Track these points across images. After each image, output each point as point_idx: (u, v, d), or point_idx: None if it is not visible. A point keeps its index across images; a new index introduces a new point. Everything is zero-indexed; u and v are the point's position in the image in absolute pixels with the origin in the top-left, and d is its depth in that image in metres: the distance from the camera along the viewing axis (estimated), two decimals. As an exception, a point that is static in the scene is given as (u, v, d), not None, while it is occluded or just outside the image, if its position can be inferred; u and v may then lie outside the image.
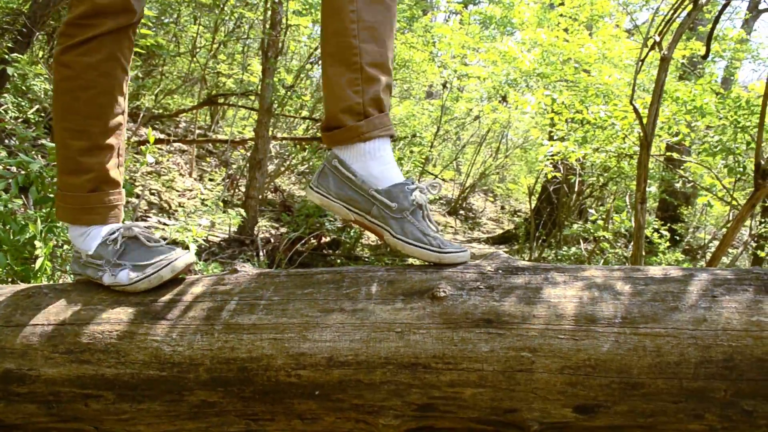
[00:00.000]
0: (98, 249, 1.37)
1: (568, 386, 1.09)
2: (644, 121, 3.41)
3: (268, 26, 7.44)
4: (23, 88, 5.98)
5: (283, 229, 7.73)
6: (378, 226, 1.33)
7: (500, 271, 1.24)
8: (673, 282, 1.16)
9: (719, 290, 1.14)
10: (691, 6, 3.19)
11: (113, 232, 1.39)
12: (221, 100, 9.38)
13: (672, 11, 3.32)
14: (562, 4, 7.76)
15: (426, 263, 1.29)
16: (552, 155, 6.04)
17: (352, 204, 1.34)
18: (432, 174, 13.02)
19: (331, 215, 6.92)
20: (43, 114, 6.19)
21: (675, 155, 6.34)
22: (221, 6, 7.95)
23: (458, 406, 1.12)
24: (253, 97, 9.15)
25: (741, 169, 4.47)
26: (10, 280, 2.25)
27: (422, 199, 1.32)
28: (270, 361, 1.15)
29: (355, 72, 1.31)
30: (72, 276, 1.59)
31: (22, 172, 2.49)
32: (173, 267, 1.31)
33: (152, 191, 7.67)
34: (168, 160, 8.83)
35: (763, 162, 2.86)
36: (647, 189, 3.56)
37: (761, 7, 10.18)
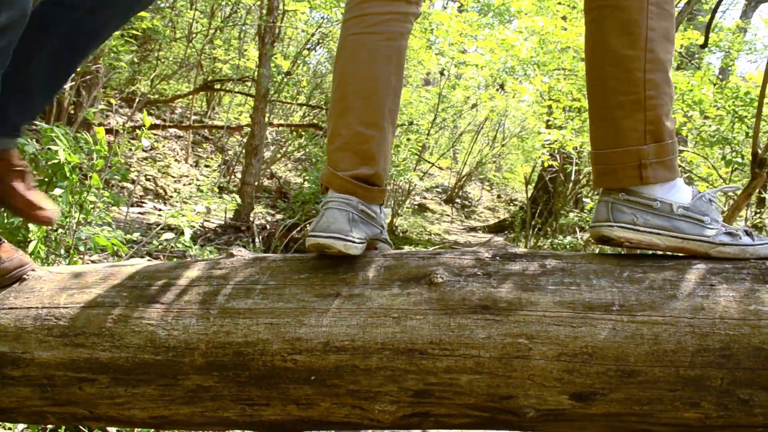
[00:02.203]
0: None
1: (564, 373, 1.08)
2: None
3: (264, 12, 7.39)
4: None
5: (279, 216, 7.72)
6: (690, 241, 1.23)
7: (497, 258, 1.23)
8: (671, 270, 1.16)
9: (717, 279, 1.13)
10: (690, -6, 3.18)
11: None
12: (217, 86, 9.35)
13: (672, 0, 3.30)
14: (561, -8, 7.72)
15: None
16: (549, 143, 6.03)
17: (662, 230, 1.24)
18: (429, 162, 13.00)
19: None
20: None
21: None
22: (218, -10, 7.90)
23: (454, 392, 1.12)
24: (249, 83, 9.11)
25: (738, 159, 4.47)
26: (4, 263, 2.23)
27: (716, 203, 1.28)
28: (266, 346, 1.15)
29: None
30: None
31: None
32: None
33: (148, 177, 7.65)
34: (164, 146, 8.80)
35: (760, 151, 2.86)
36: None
37: (760, -3, 10.15)
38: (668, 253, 1.26)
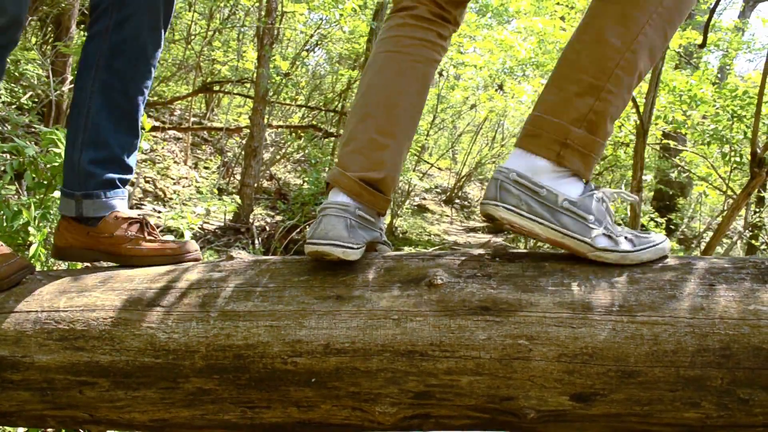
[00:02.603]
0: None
1: (565, 374, 1.08)
2: (641, 109, 3.41)
3: (263, 13, 7.40)
4: (16, 74, 5.93)
5: (278, 218, 7.72)
6: (570, 238, 1.20)
7: (497, 259, 1.23)
8: (670, 271, 1.16)
9: (717, 279, 1.13)
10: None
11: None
12: (216, 88, 9.34)
13: None
14: (560, -8, 7.73)
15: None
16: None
17: (544, 219, 1.21)
18: (428, 162, 13.00)
19: (327, 203, 6.89)
20: (36, 100, 6.15)
21: (672, 143, 6.35)
22: (216, -8, 7.90)
23: (455, 393, 1.12)
24: (248, 85, 9.11)
25: (738, 158, 4.48)
26: (3, 267, 2.23)
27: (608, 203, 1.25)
28: (266, 348, 1.15)
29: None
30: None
31: (15, 158, 2.47)
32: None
33: (147, 179, 7.65)
34: (163, 148, 8.79)
35: (759, 151, 2.86)
36: (643, 178, 3.56)
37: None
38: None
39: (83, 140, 1.46)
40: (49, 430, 1.99)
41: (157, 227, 4.69)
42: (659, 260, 1.20)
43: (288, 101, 9.90)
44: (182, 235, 3.35)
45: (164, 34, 1.53)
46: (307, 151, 9.83)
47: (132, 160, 1.54)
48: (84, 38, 1.56)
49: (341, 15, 8.06)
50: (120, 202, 1.49)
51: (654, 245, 1.21)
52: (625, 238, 1.21)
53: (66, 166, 1.48)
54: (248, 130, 7.64)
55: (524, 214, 1.21)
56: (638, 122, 3.44)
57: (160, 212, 6.46)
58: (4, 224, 2.24)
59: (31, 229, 2.26)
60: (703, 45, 3.36)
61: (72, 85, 5.67)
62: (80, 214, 1.46)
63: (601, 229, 1.20)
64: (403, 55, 1.41)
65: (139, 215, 1.50)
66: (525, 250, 1.27)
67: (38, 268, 2.17)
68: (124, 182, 1.52)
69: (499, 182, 1.23)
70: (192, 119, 9.75)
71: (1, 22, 1.28)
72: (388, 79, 1.40)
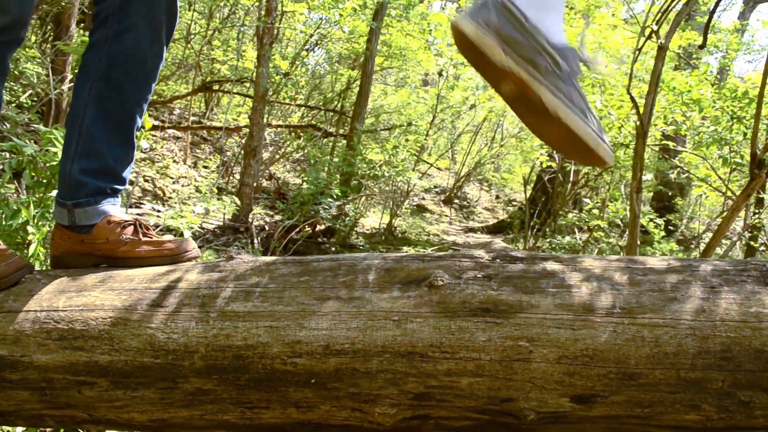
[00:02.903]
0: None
1: (565, 376, 1.08)
2: (641, 110, 3.41)
3: (263, 13, 7.39)
4: (15, 72, 5.92)
5: (277, 217, 7.71)
6: (537, 81, 1.08)
7: (498, 260, 1.23)
8: (672, 273, 1.16)
9: (718, 281, 1.13)
10: (689, -5, 3.18)
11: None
12: (216, 87, 9.34)
13: (669, 1, 3.31)
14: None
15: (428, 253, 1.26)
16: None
17: (512, 46, 1.07)
18: (427, 162, 13.01)
19: (326, 203, 6.90)
20: (35, 99, 6.15)
21: (671, 144, 6.35)
22: (216, -9, 7.89)
23: (455, 395, 1.12)
24: (248, 84, 9.11)
25: (738, 159, 4.48)
26: (2, 266, 2.23)
27: (593, 62, 1.15)
28: (265, 349, 1.14)
29: None
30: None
31: (14, 157, 2.47)
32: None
33: (146, 178, 7.64)
34: (162, 147, 8.79)
35: (758, 152, 2.86)
36: (642, 179, 3.56)
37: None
38: (665, 254, 1.24)
39: (76, 150, 1.45)
40: (47, 429, 1.98)
41: (156, 227, 4.69)
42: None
43: (287, 101, 9.90)
44: (182, 235, 3.35)
45: (167, 46, 1.51)
46: (306, 151, 9.83)
47: (126, 173, 1.52)
48: (84, 37, 1.56)
49: (341, 15, 8.05)
50: (112, 207, 1.48)
51: (597, 136, 1.11)
52: (586, 107, 1.12)
53: (60, 174, 1.47)
54: (248, 130, 7.64)
55: (488, 33, 1.07)
56: (638, 123, 3.44)
57: (159, 211, 6.46)
58: (3, 223, 2.24)
59: (30, 228, 2.25)
60: (703, 46, 3.36)
61: (72, 84, 5.66)
62: (73, 223, 1.45)
63: (565, 79, 1.11)
64: None
65: (132, 217, 1.49)
66: (526, 252, 1.26)
67: (37, 267, 2.17)
68: (116, 192, 1.50)
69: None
70: (191, 118, 9.75)
71: (5, 21, 1.28)
72: None
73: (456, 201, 12.83)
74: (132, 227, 1.44)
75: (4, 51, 1.34)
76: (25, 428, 1.96)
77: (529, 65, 1.08)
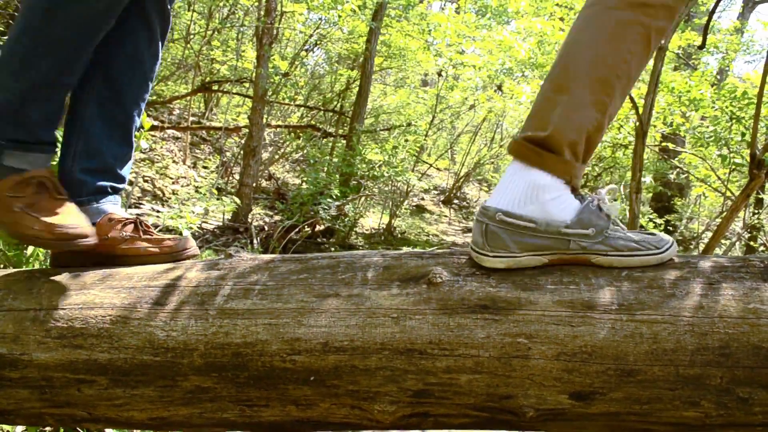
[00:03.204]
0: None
1: (564, 373, 1.08)
2: (640, 110, 3.41)
3: (262, 13, 7.39)
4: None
5: (277, 217, 7.71)
6: (581, 255, 1.19)
7: (497, 258, 1.23)
8: (670, 269, 1.16)
9: (716, 277, 1.13)
10: (688, -5, 3.18)
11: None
12: (215, 87, 9.34)
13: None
14: (559, -7, 7.74)
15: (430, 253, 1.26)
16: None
17: (542, 250, 1.19)
18: (427, 163, 13.01)
19: (326, 203, 6.90)
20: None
21: (670, 145, 6.35)
22: (215, -8, 7.90)
23: (454, 392, 1.12)
24: (247, 84, 9.11)
25: (737, 160, 4.48)
26: (2, 265, 2.23)
27: (612, 210, 1.20)
28: (265, 346, 1.15)
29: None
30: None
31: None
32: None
33: (146, 178, 7.64)
34: (162, 147, 8.79)
35: (758, 152, 2.86)
36: (642, 179, 3.56)
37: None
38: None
39: (76, 149, 1.46)
40: (47, 428, 1.98)
41: (156, 227, 4.69)
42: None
43: (287, 101, 9.90)
44: (181, 234, 3.35)
45: (162, 46, 1.54)
46: (305, 151, 9.83)
47: (125, 171, 1.54)
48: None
49: (340, 16, 8.06)
50: (113, 206, 1.49)
51: (659, 252, 1.18)
52: (632, 240, 1.19)
53: (59, 174, 1.48)
54: (247, 130, 7.64)
55: (517, 256, 1.19)
56: (637, 124, 3.44)
57: (158, 211, 6.46)
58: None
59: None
60: (702, 46, 3.36)
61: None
62: None
63: (601, 238, 1.18)
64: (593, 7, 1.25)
65: (133, 216, 1.49)
66: (524, 249, 1.26)
67: (37, 265, 2.17)
68: (117, 190, 1.51)
69: (485, 226, 1.21)
70: (191, 118, 9.75)
71: (101, 6, 1.28)
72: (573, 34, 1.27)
73: (455, 201, 12.83)
74: (132, 225, 1.45)
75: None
76: (24, 427, 1.96)
77: (565, 252, 1.18)
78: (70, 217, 1.32)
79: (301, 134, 9.88)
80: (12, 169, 1.35)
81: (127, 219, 1.46)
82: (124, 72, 1.48)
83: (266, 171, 9.39)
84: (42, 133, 1.37)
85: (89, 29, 1.33)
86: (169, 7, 1.52)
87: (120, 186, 1.52)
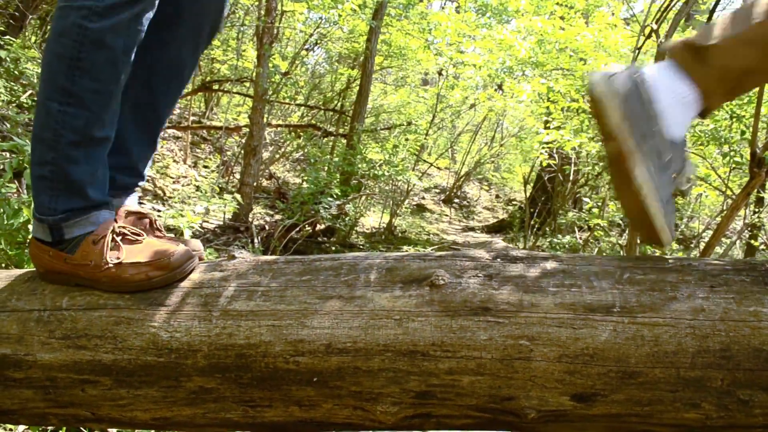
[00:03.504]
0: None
1: (566, 374, 1.09)
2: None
3: (263, 12, 7.39)
4: (16, 72, 5.93)
5: (277, 216, 7.72)
6: (637, 157, 1.13)
7: (498, 260, 1.23)
8: (671, 272, 1.17)
9: (717, 281, 1.14)
10: (688, -5, 3.19)
11: None
12: (216, 87, 9.34)
13: (669, 0, 3.32)
14: (559, -8, 7.73)
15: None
16: (547, 144, 6.03)
17: (630, 118, 1.13)
18: (427, 162, 13.00)
19: (326, 202, 6.91)
20: (35, 99, 6.14)
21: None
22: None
23: (456, 393, 1.12)
24: (247, 84, 9.11)
25: (738, 158, 4.48)
26: (4, 265, 2.24)
27: (683, 181, 1.19)
28: (268, 347, 1.15)
29: None
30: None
31: (15, 157, 2.48)
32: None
33: (146, 177, 7.64)
34: (162, 147, 8.79)
35: (758, 151, 2.87)
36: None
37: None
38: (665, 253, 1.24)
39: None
40: (50, 428, 1.99)
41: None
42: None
43: (287, 100, 9.90)
44: (182, 234, 3.36)
45: (200, 55, 1.55)
46: (306, 150, 9.83)
47: (145, 170, 1.57)
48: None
49: (340, 15, 8.06)
50: (130, 200, 1.51)
51: None
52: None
53: None
54: (247, 129, 7.64)
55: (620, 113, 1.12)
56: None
57: (159, 211, 6.46)
58: (5, 222, 2.25)
59: (30, 227, 2.26)
60: (702, 46, 3.35)
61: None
62: None
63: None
64: None
65: (150, 212, 1.51)
66: (526, 252, 1.27)
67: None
68: (135, 186, 1.54)
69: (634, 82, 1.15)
70: (191, 118, 9.75)
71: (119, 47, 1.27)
72: None
73: (456, 200, 12.84)
74: (148, 220, 1.46)
75: (142, 18, 1.32)
76: (27, 426, 1.97)
77: (637, 141, 1.13)
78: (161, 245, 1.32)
79: (301, 133, 9.89)
80: (81, 237, 1.31)
81: (142, 213, 1.48)
82: (163, 79, 1.48)
83: (267, 170, 9.39)
84: (92, 192, 1.32)
85: (113, 75, 1.31)
86: (221, 18, 1.52)
87: (140, 183, 1.55)
